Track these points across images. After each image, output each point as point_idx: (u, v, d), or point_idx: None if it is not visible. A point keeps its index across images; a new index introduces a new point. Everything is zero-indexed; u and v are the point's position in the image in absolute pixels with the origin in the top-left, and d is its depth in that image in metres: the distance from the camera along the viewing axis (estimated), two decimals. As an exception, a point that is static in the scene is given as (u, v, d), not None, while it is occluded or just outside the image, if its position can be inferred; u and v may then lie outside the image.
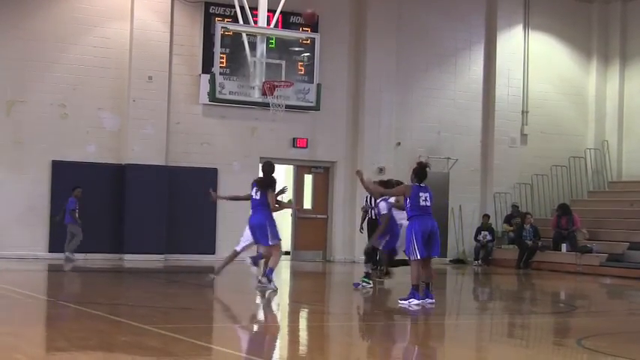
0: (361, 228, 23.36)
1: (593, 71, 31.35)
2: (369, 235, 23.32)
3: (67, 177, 24.47)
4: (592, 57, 31.37)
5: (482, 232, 28.68)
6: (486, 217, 28.98)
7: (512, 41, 30.19)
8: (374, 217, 23.03)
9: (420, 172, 15.52)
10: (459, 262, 28.92)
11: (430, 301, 15.26)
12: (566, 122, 30.95)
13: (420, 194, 15.23)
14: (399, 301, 15.21)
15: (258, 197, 16.79)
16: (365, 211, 23.21)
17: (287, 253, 27.03)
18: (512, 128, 29.98)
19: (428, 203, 15.27)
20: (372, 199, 23.25)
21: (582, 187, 30.86)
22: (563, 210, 27.15)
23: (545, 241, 27.42)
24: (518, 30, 30.34)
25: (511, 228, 28.52)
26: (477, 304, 19.20)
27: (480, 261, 28.34)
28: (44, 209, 24.45)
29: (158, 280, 17.93)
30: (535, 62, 30.52)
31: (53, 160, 24.56)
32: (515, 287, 23.28)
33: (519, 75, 30.26)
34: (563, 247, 26.87)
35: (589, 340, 11.94)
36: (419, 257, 15.05)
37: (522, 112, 30.30)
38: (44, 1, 24.75)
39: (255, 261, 17.65)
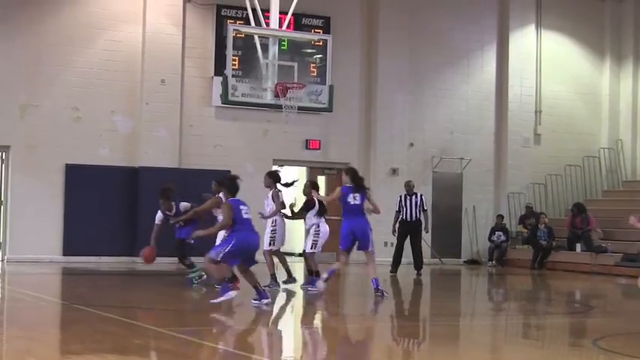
0: (394, 230, 23.38)
1: (606, 70, 31.22)
2: (400, 237, 23.35)
3: (80, 180, 24.50)
4: (605, 56, 31.25)
5: (496, 232, 28.58)
6: (500, 217, 28.89)
7: (524, 41, 30.09)
8: (407, 219, 23.02)
9: (231, 185, 14.72)
10: (473, 262, 28.83)
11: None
12: (580, 122, 30.83)
13: (241, 207, 14.40)
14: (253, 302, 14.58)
15: (359, 202, 16.77)
16: (397, 212, 23.25)
17: (301, 254, 26.98)
18: (525, 128, 29.88)
19: (249, 216, 14.45)
20: (406, 200, 23.20)
21: (596, 187, 30.73)
22: (579, 209, 26.99)
23: (560, 241, 27.33)
24: (531, 30, 30.24)
25: (525, 230, 28.41)
26: (491, 304, 19.13)
27: (494, 261, 28.24)
28: (58, 212, 24.46)
29: (171, 282, 17.92)
30: (548, 62, 30.40)
31: (67, 164, 24.58)
32: (530, 288, 23.21)
33: (532, 75, 30.15)
34: (578, 247, 26.76)
35: (605, 341, 11.88)
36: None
37: (535, 111, 30.19)
38: (57, 5, 24.78)
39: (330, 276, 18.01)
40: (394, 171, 27.62)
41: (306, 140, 27.30)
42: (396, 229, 23.36)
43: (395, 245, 23.60)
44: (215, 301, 14.31)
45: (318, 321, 14.75)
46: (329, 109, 23.85)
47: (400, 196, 23.53)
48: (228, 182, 14.78)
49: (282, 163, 27.47)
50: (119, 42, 25.34)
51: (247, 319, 13.93)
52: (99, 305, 14.30)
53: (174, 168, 25.27)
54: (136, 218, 24.81)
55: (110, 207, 24.79)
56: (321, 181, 27.88)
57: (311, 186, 18.20)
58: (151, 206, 24.03)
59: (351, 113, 27.65)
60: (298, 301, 17.26)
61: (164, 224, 18.45)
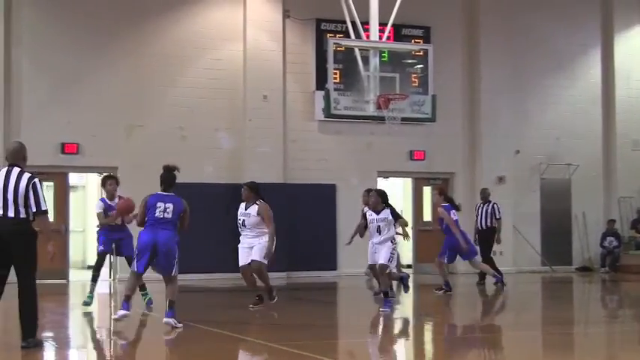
0: (475, 239, 23.20)
1: None
2: (481, 245, 23.02)
3: (186, 198, 24.60)
4: None
5: (608, 237, 28.08)
6: (611, 222, 28.35)
7: (630, 42, 29.53)
8: (479, 227, 22.69)
9: (164, 177, 13.84)
10: (585, 269, 28.34)
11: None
12: (693, 122, 30.00)
13: (158, 204, 13.51)
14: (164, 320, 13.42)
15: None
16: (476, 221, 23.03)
17: (409, 266, 26.88)
18: (634, 130, 29.26)
19: (168, 215, 13.45)
20: (479, 209, 22.87)
21: None
22: (693, 212, 26.36)
23: (676, 245, 26.71)
24: (637, 30, 29.66)
25: (639, 235, 27.84)
26: (605, 312, 18.73)
27: (607, 268, 27.73)
28: (166, 231, 24.66)
29: (280, 297, 17.91)
30: (656, 62, 29.74)
31: (173, 182, 24.80)
32: (646, 294, 22.68)
33: (640, 76, 29.57)
34: (695, 250, 26.13)
35: None
36: (136, 270, 13.64)
37: (644, 113, 29.56)
38: (160, 26, 25.12)
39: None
40: (501, 179, 27.29)
41: (410, 151, 27.16)
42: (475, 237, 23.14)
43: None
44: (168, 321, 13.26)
45: (425, 332, 14.58)
46: (432, 119, 23.72)
47: (476, 205, 23.24)
48: (162, 174, 13.81)
49: (386, 174, 27.37)
50: (221, 60, 25.57)
51: (356, 332, 13.84)
52: (209, 321, 14.35)
53: (279, 183, 25.34)
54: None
55: (216, 224, 24.93)
56: (427, 191, 27.75)
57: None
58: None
59: (454, 122, 27.43)
60: (398, 312, 17.16)
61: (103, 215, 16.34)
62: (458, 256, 19.90)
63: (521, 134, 28.16)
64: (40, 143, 23.79)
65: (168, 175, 13.78)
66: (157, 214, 13.40)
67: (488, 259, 22.50)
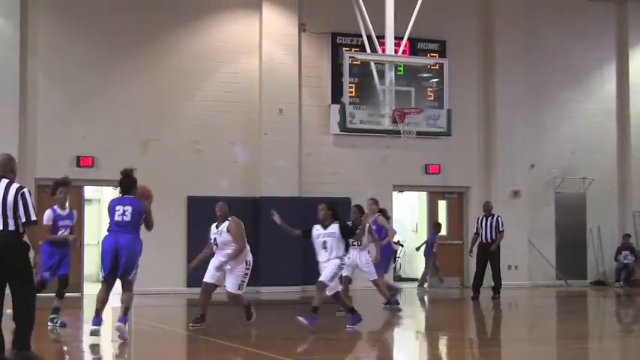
0: (470, 251, 23.28)
1: None
2: (478, 259, 23.07)
3: (201, 212, 24.73)
4: None
5: (623, 252, 28.02)
6: (627, 236, 28.30)
7: (646, 56, 29.54)
8: (483, 241, 22.79)
9: (123, 181, 13.76)
10: (599, 283, 28.28)
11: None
12: None
13: (117, 207, 13.47)
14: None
15: None
16: (475, 234, 23.08)
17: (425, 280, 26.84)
18: (650, 145, 29.24)
19: (127, 218, 13.40)
20: (483, 222, 22.94)
21: None
22: None
23: (692, 260, 26.62)
24: (652, 45, 29.67)
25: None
26: (620, 326, 18.70)
27: (621, 282, 27.66)
28: (181, 244, 24.75)
29: (295, 311, 17.92)
30: (672, 76, 29.68)
31: (189, 196, 24.89)
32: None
33: (655, 90, 29.51)
34: None
35: None
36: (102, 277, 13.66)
37: (660, 128, 29.49)
38: (176, 39, 25.16)
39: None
40: (516, 193, 27.29)
41: (426, 165, 27.16)
42: (474, 251, 23.19)
43: (475, 268, 23.27)
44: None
45: (439, 346, 14.60)
46: (447, 133, 23.71)
47: (478, 218, 23.34)
48: (120, 179, 13.76)
49: (401, 188, 27.39)
50: (237, 74, 25.63)
51: (372, 346, 13.85)
52: (224, 335, 14.40)
53: (294, 197, 25.38)
54: (258, 248, 24.94)
55: (232, 237, 24.94)
56: (442, 205, 27.76)
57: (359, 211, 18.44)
58: (273, 236, 24.32)
59: (470, 136, 27.42)
60: (411, 326, 17.15)
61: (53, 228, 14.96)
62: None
63: (536, 148, 28.14)
64: (55, 156, 23.94)
65: (124, 180, 13.77)
66: (116, 218, 13.42)
67: (497, 273, 22.62)
